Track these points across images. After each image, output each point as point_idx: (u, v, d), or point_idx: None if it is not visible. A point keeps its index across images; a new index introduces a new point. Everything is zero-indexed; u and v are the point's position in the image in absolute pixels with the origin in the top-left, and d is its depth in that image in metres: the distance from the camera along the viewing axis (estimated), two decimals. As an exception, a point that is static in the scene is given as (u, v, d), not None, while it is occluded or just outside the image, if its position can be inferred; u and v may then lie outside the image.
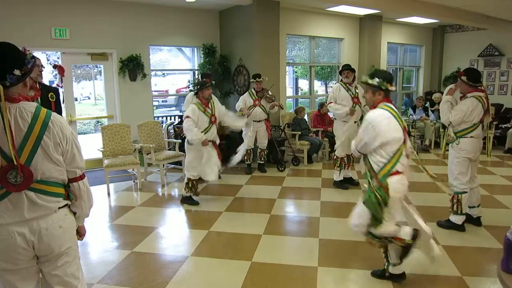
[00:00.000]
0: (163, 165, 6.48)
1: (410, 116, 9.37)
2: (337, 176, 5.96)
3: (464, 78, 4.13)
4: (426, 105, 9.66)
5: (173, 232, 4.48)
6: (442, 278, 3.30)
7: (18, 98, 1.82)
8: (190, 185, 5.25)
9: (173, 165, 7.09)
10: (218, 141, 5.97)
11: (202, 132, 5.02)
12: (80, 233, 2.21)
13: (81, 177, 2.03)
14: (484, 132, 4.42)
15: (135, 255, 3.82)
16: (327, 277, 3.34)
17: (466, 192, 4.18)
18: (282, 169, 7.10)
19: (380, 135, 2.85)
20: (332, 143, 7.50)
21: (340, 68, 6.03)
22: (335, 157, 5.90)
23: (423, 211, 4.79)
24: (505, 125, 9.31)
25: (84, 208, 2.09)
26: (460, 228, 4.23)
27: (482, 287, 3.21)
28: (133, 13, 7.33)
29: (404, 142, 2.94)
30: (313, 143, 7.51)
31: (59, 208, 1.95)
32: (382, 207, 2.88)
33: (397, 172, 2.88)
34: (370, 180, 3.01)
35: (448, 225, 4.29)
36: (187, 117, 4.98)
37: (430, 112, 9.45)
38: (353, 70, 5.86)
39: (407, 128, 3.05)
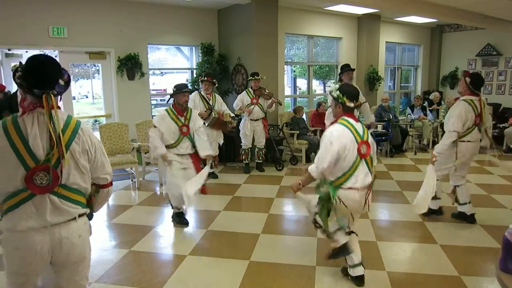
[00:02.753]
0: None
1: (408, 115, 9.38)
2: None
3: (467, 79, 4.19)
4: (424, 104, 9.67)
5: (171, 231, 4.48)
6: (440, 277, 3.31)
7: (54, 106, 1.92)
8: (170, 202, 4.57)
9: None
10: (221, 141, 5.91)
11: (172, 145, 4.32)
12: None
13: (111, 183, 2.21)
14: (485, 139, 4.44)
15: (133, 254, 3.81)
16: (325, 276, 3.34)
17: (437, 180, 4.29)
18: (280, 168, 7.09)
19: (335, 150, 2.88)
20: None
21: (340, 69, 5.92)
22: None
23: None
24: (503, 125, 9.33)
25: (95, 208, 2.24)
26: (438, 213, 4.51)
27: (480, 287, 3.22)
28: (131, 12, 7.30)
29: (364, 156, 2.95)
30: (311, 142, 7.51)
31: (79, 216, 2.03)
32: (330, 209, 2.99)
33: (349, 188, 2.93)
34: (317, 188, 3.10)
35: (429, 212, 4.42)
36: (154, 126, 4.32)
37: (428, 112, 9.46)
38: (353, 70, 5.78)
39: (370, 143, 3.03)
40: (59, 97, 1.98)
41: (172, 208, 4.59)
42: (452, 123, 4.12)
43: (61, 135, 1.87)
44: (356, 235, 3.22)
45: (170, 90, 12.38)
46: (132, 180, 6.45)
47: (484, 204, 5.18)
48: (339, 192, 2.95)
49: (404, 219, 4.68)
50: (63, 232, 1.94)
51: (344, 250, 3.09)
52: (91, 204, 2.14)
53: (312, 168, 3.01)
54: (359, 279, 3.15)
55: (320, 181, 3.07)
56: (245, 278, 3.31)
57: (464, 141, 4.19)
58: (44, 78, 1.86)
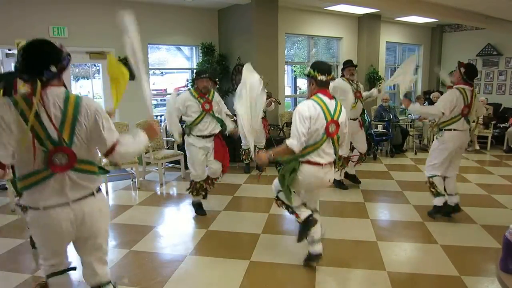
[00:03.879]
0: (162, 164, 6.47)
1: (409, 115, 9.37)
2: (338, 175, 5.93)
3: (462, 69, 4.23)
4: (425, 104, 9.64)
5: (172, 231, 4.48)
6: (441, 277, 3.30)
7: (51, 84, 1.92)
8: (192, 188, 4.77)
9: (171, 164, 7.09)
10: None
11: (194, 121, 4.49)
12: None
13: (113, 147, 2.08)
14: (472, 129, 4.52)
15: (134, 254, 3.81)
16: (325, 276, 3.34)
17: (436, 176, 4.35)
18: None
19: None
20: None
21: (342, 65, 5.89)
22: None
23: (423, 210, 4.82)
24: (503, 125, 9.32)
25: (135, 149, 2.26)
26: (443, 209, 4.39)
27: (480, 287, 3.21)
28: (131, 12, 7.29)
29: (331, 135, 2.99)
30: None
31: (97, 191, 2.11)
32: (289, 182, 3.05)
33: (310, 162, 3.00)
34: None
35: (435, 211, 4.44)
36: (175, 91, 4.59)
37: (428, 112, 9.44)
38: (355, 66, 5.79)
39: (340, 122, 3.06)
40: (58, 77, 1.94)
41: (193, 195, 4.79)
42: (442, 105, 4.16)
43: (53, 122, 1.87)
44: (319, 213, 3.33)
45: (170, 90, 12.41)
46: (132, 180, 6.45)
47: (485, 204, 5.18)
48: (303, 167, 3.00)
49: (405, 219, 4.67)
50: (85, 207, 2.03)
51: (309, 223, 3.15)
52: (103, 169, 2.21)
53: (292, 142, 2.96)
54: (317, 258, 3.27)
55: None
56: (245, 278, 3.31)
57: (450, 130, 4.22)
58: (30, 63, 1.87)
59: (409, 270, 3.44)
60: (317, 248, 3.30)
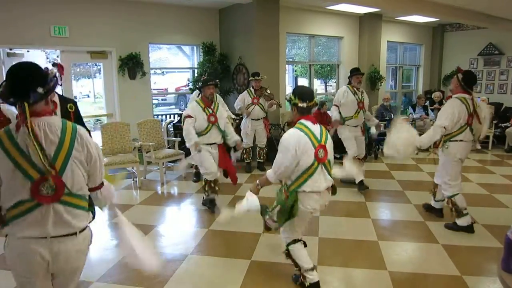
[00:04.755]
0: (163, 163, 6.47)
1: (410, 115, 9.36)
2: (361, 175, 5.86)
3: (460, 76, 4.13)
4: (426, 103, 9.65)
5: (173, 231, 4.48)
6: (442, 277, 3.30)
7: (42, 113, 1.90)
8: (206, 187, 4.90)
9: (172, 164, 7.09)
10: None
11: (201, 133, 4.68)
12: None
13: (100, 186, 2.12)
14: (476, 142, 4.43)
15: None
16: (326, 275, 3.34)
17: (458, 194, 4.17)
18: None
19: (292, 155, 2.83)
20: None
21: (349, 72, 5.86)
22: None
23: (424, 209, 4.82)
24: (505, 124, 9.30)
25: (102, 208, 2.29)
26: (468, 229, 4.18)
27: (481, 287, 3.21)
28: (132, 11, 7.31)
29: (321, 161, 2.89)
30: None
31: (80, 232, 2.01)
32: (292, 215, 2.93)
33: (310, 192, 2.89)
34: (278, 192, 3.10)
35: (457, 228, 4.23)
36: (188, 116, 4.61)
37: (429, 111, 9.44)
38: (362, 74, 5.83)
39: (327, 146, 2.96)
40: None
41: (207, 194, 4.92)
42: (444, 118, 4.05)
43: (43, 152, 1.83)
44: (304, 242, 3.17)
45: (171, 89, 12.42)
46: (133, 180, 6.45)
47: (486, 203, 5.17)
48: (301, 197, 2.90)
49: (406, 218, 4.67)
50: (62, 246, 1.94)
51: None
52: (92, 207, 2.14)
53: (269, 173, 2.99)
54: (316, 285, 3.06)
55: (280, 188, 3.07)
56: (246, 278, 3.31)
57: (456, 141, 4.09)
58: (14, 86, 1.83)
59: (411, 270, 3.44)
60: (314, 276, 3.07)
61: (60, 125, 1.94)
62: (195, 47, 8.52)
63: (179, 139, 6.84)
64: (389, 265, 3.48)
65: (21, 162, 1.83)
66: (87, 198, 2.06)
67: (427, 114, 9.32)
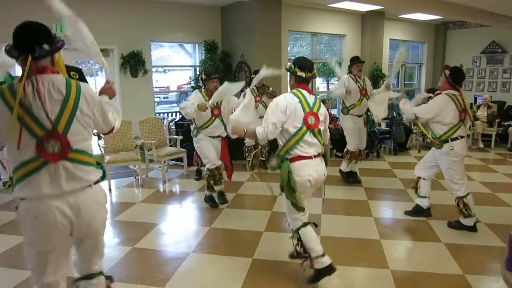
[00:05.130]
0: (165, 161, 6.47)
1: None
2: (345, 166, 5.97)
3: (447, 72, 4.11)
4: (428, 101, 9.60)
5: (175, 229, 4.48)
6: (444, 276, 3.29)
7: (47, 69, 1.90)
8: (210, 180, 4.92)
9: (174, 162, 7.09)
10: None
11: (203, 125, 4.76)
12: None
13: (110, 132, 2.28)
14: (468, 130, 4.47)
15: (137, 251, 3.81)
16: (328, 274, 3.33)
17: (468, 194, 4.14)
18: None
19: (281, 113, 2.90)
20: (333, 140, 7.49)
21: (349, 61, 5.94)
22: (346, 149, 5.88)
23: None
24: (507, 123, 9.27)
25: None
26: (472, 229, 4.16)
27: (484, 286, 3.19)
28: (134, 9, 7.30)
29: (311, 127, 2.93)
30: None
31: (94, 183, 2.01)
32: (293, 184, 2.91)
33: (298, 157, 2.93)
34: (272, 158, 3.13)
35: (460, 226, 4.21)
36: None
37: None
38: (363, 62, 5.89)
39: (320, 114, 3.02)
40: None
41: (209, 190, 4.99)
42: (426, 110, 4.13)
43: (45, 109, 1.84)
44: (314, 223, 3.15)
45: (173, 87, 12.40)
46: (135, 178, 6.46)
47: (489, 202, 5.16)
48: (294, 166, 2.92)
49: (408, 217, 4.65)
50: (79, 198, 1.92)
51: (329, 271, 2.97)
52: (101, 164, 2.16)
53: (259, 128, 3.00)
54: (328, 270, 2.96)
55: (272, 156, 3.12)
56: (248, 276, 3.31)
57: (458, 138, 4.06)
58: (22, 37, 1.84)
59: (413, 269, 3.43)
60: (326, 259, 2.97)
61: (64, 82, 1.93)
62: (197, 45, 8.51)
63: (181, 137, 6.86)
64: (391, 264, 3.47)
65: (25, 119, 1.80)
66: (92, 154, 2.06)
67: (429, 112, 9.27)
